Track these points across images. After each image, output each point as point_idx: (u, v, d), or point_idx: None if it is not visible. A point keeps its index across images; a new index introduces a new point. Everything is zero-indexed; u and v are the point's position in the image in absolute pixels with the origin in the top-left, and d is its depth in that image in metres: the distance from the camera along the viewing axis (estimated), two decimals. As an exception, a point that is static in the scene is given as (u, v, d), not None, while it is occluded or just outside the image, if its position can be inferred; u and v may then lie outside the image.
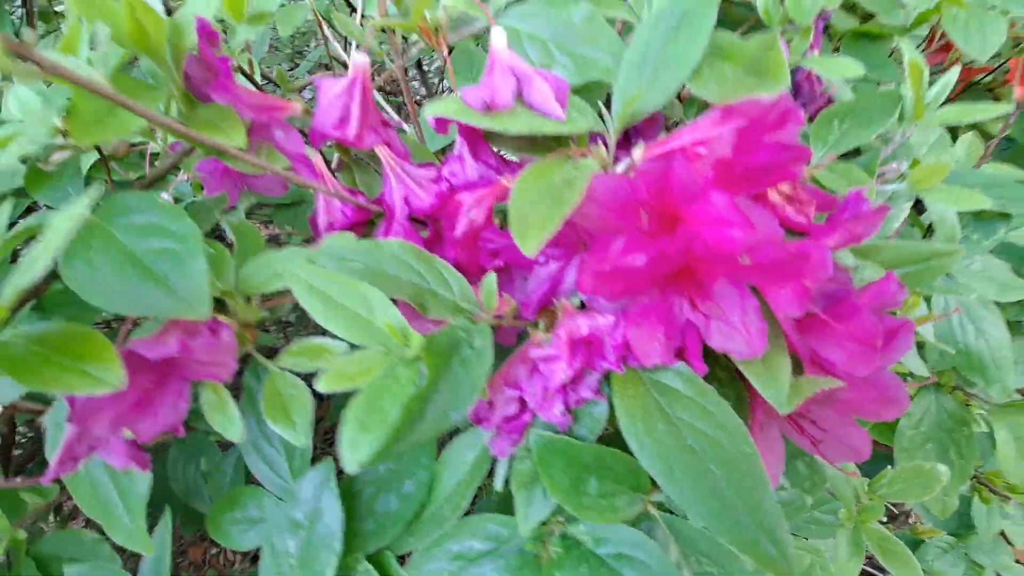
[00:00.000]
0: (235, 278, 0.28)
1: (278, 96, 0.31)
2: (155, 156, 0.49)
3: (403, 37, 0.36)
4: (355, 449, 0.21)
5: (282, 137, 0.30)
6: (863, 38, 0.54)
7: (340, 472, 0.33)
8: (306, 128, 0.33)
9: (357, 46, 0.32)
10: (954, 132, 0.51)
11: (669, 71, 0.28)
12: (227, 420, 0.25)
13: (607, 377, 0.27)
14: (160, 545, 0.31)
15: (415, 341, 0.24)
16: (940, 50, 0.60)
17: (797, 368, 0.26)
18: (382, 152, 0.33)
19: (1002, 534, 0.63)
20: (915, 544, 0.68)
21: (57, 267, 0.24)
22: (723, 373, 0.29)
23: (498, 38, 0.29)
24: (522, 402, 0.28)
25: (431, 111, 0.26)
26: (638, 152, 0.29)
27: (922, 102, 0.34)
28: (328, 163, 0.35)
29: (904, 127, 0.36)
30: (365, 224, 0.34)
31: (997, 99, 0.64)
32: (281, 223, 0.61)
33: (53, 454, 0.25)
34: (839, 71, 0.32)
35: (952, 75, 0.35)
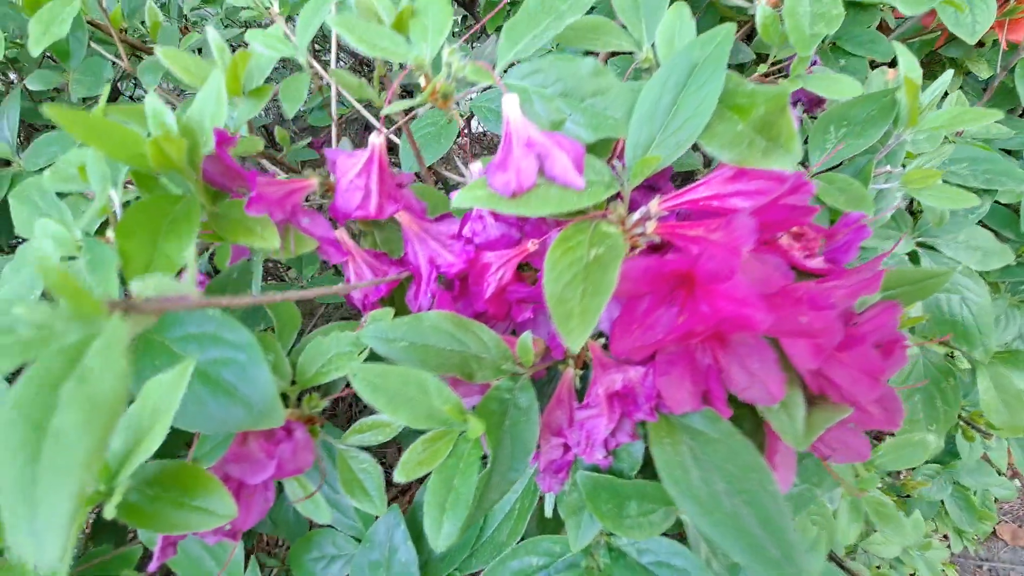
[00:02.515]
0: (289, 370, 0.30)
1: (294, 178, 0.32)
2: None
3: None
4: (440, 530, 0.24)
5: (308, 223, 0.31)
6: (852, 6, 0.54)
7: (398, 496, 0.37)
8: (325, 205, 0.34)
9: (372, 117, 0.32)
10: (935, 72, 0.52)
11: (681, 128, 0.28)
12: (315, 506, 0.28)
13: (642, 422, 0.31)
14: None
15: (473, 420, 0.27)
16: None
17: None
18: (403, 219, 0.34)
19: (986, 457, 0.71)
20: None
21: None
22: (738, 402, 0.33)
23: (511, 106, 0.29)
24: (565, 446, 0.32)
25: (460, 201, 0.27)
26: (654, 205, 0.31)
27: (916, 112, 0.35)
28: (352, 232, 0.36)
29: (898, 131, 0.37)
30: (395, 285, 0.36)
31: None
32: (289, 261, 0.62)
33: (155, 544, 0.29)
34: (838, 91, 0.33)
35: (946, 77, 0.36)
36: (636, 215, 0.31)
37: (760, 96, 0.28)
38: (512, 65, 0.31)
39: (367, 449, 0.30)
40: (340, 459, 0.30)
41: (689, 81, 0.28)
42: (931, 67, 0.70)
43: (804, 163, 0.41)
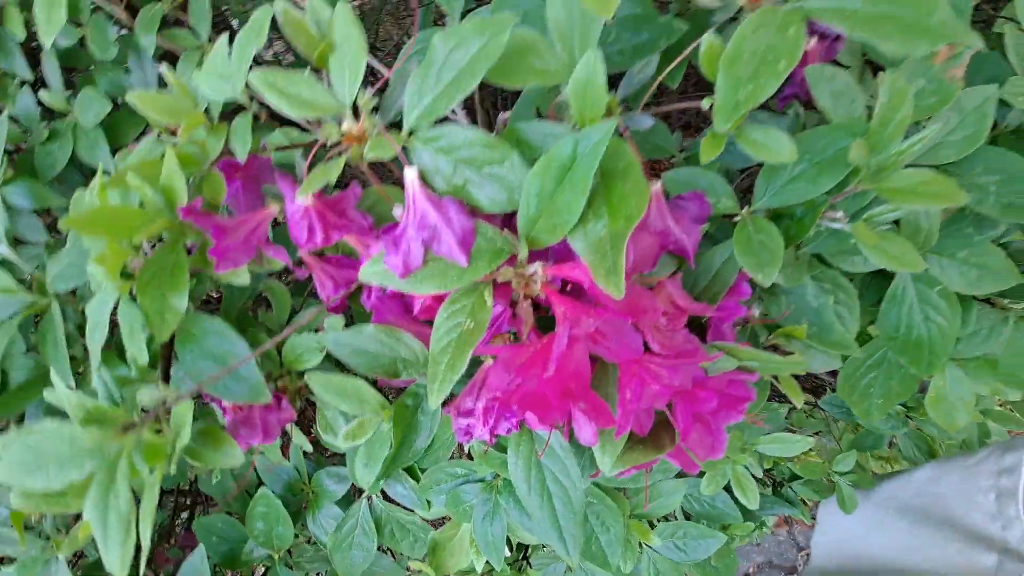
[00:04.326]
0: (278, 357, 0.43)
1: (255, 212, 0.39)
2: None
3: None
4: (363, 479, 0.39)
5: (272, 254, 0.39)
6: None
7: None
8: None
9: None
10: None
11: (557, 216, 0.30)
12: (301, 440, 0.44)
13: (519, 420, 0.41)
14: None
15: (387, 413, 0.39)
16: None
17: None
18: (350, 240, 0.41)
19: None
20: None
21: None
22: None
23: (413, 179, 0.32)
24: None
25: (362, 276, 0.34)
26: (539, 270, 0.34)
27: (867, 177, 0.31)
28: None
29: (854, 182, 0.33)
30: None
31: None
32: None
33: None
34: (771, 154, 0.30)
35: (927, 132, 0.30)
36: (531, 268, 0.35)
37: (628, 203, 0.28)
38: (415, 131, 0.32)
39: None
40: (319, 411, 0.45)
41: (566, 178, 0.29)
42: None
43: (749, 192, 0.38)
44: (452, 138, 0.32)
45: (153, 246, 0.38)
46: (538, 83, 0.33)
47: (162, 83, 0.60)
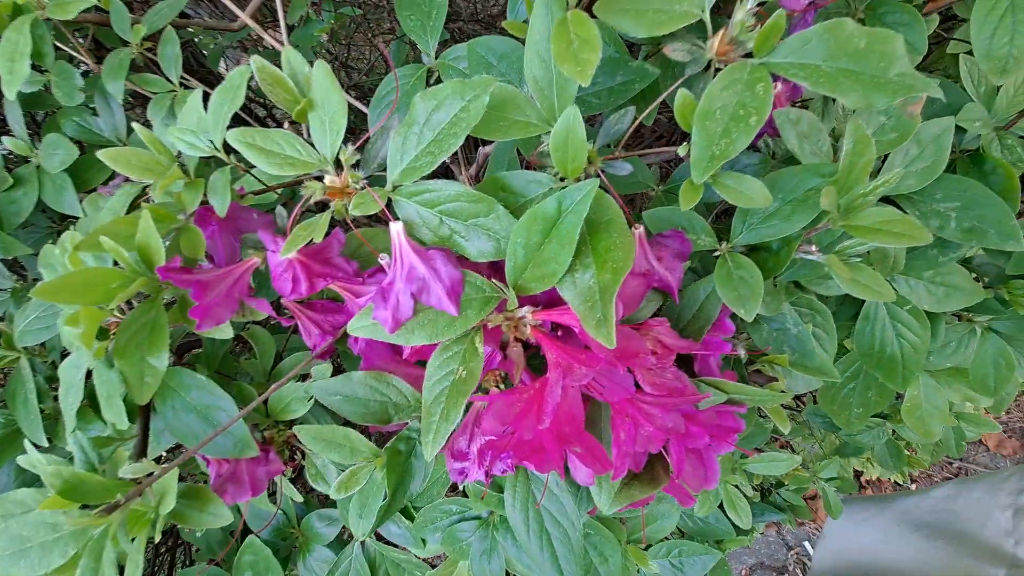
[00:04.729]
0: (264, 408, 0.42)
1: (239, 263, 0.38)
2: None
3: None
4: (358, 528, 0.38)
5: (256, 306, 0.39)
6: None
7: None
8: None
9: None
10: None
11: (545, 267, 0.31)
12: (291, 492, 0.43)
13: (513, 460, 0.41)
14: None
15: (380, 461, 0.39)
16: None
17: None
18: (335, 287, 0.40)
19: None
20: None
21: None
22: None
23: (397, 232, 0.32)
24: (464, 462, 0.43)
25: (351, 330, 0.33)
26: (528, 315, 0.35)
27: (837, 217, 0.32)
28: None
29: (826, 219, 0.35)
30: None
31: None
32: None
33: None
34: (745, 199, 0.31)
35: (886, 177, 0.31)
36: (521, 312, 0.36)
37: (614, 255, 0.29)
38: (399, 186, 0.32)
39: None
40: (308, 460, 0.44)
41: (552, 232, 0.29)
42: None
43: (730, 215, 0.39)
44: (436, 192, 0.32)
45: (129, 303, 0.37)
46: (519, 135, 0.33)
47: (131, 125, 0.58)
